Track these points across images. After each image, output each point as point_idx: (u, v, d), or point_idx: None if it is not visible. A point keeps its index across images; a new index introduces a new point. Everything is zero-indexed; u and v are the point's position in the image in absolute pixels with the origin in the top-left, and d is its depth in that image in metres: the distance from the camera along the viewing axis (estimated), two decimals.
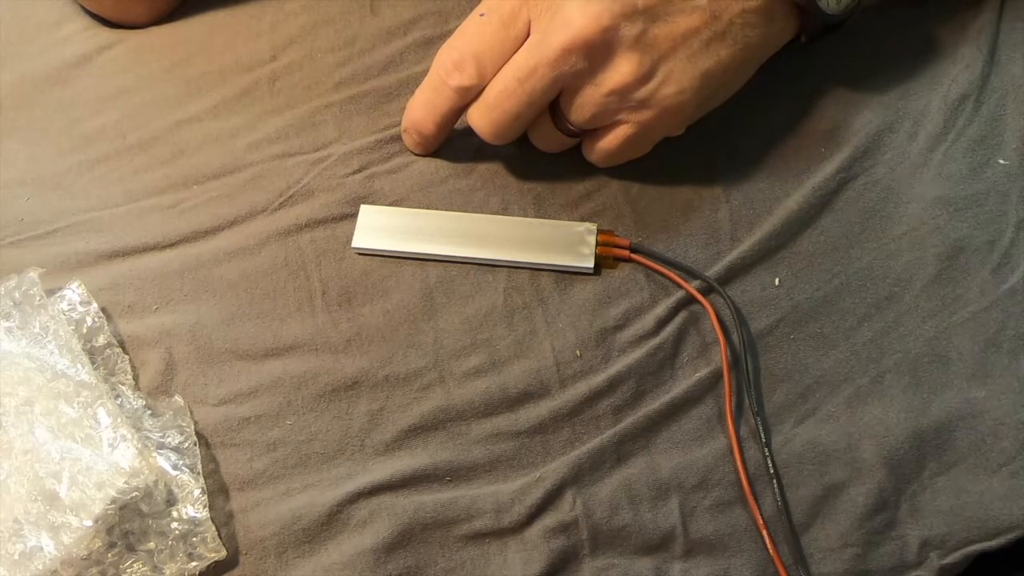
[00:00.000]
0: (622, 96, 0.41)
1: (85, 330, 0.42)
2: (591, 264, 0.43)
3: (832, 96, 0.47)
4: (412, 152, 0.47)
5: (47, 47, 0.52)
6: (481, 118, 0.42)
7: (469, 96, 0.42)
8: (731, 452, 0.40)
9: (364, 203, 0.46)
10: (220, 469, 0.40)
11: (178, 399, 0.41)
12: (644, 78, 0.41)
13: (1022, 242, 0.44)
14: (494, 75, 0.41)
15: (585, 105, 0.41)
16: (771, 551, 0.38)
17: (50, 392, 0.39)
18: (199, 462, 0.39)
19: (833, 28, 0.45)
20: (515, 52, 0.41)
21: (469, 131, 0.44)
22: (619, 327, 0.43)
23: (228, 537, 0.39)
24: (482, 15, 0.41)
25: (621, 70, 0.40)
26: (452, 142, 0.47)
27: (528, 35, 0.41)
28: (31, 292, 0.42)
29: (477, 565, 0.39)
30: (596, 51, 0.40)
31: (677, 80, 0.41)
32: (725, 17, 0.41)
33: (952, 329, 0.42)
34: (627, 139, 0.43)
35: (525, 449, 0.41)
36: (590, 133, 0.44)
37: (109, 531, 0.37)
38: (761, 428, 0.40)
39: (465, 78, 0.41)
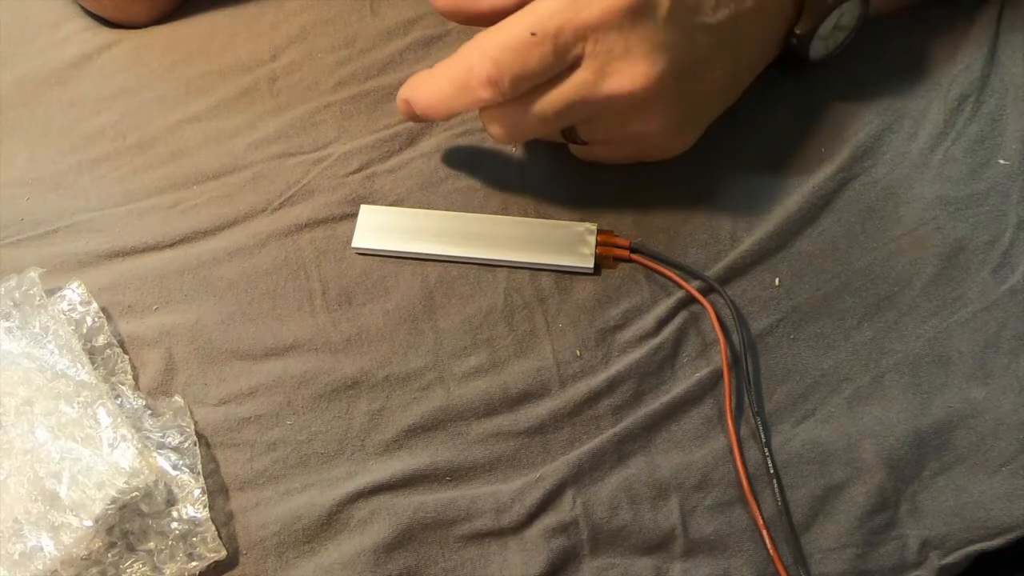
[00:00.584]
0: (641, 139, 0.42)
1: (85, 330, 0.42)
2: (591, 264, 0.43)
3: (832, 96, 0.47)
4: (403, 118, 0.45)
5: (47, 47, 0.52)
6: (504, 129, 0.40)
7: (491, 104, 0.40)
8: (731, 452, 0.40)
9: (364, 203, 0.46)
10: (220, 469, 0.40)
11: (178, 399, 0.41)
12: (670, 133, 0.42)
13: (1022, 242, 0.44)
14: (524, 93, 0.39)
15: (601, 132, 0.42)
16: (771, 551, 0.38)
17: (50, 392, 0.39)
18: (199, 462, 0.39)
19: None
20: (554, 76, 0.38)
21: (469, 131, 0.44)
22: (619, 327, 0.43)
23: (228, 537, 0.39)
24: (533, 34, 0.37)
25: (653, 122, 0.41)
26: (452, 142, 0.47)
27: (576, 65, 0.38)
28: (31, 292, 0.42)
29: (477, 565, 0.39)
30: (639, 104, 0.39)
31: (695, 132, 0.43)
32: (741, 72, 0.43)
33: (952, 329, 0.42)
34: (621, 158, 0.44)
35: (525, 449, 0.41)
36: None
37: (109, 531, 0.37)
38: (761, 428, 0.40)
39: (498, 95, 0.38)
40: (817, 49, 0.45)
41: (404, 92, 0.42)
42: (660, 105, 0.40)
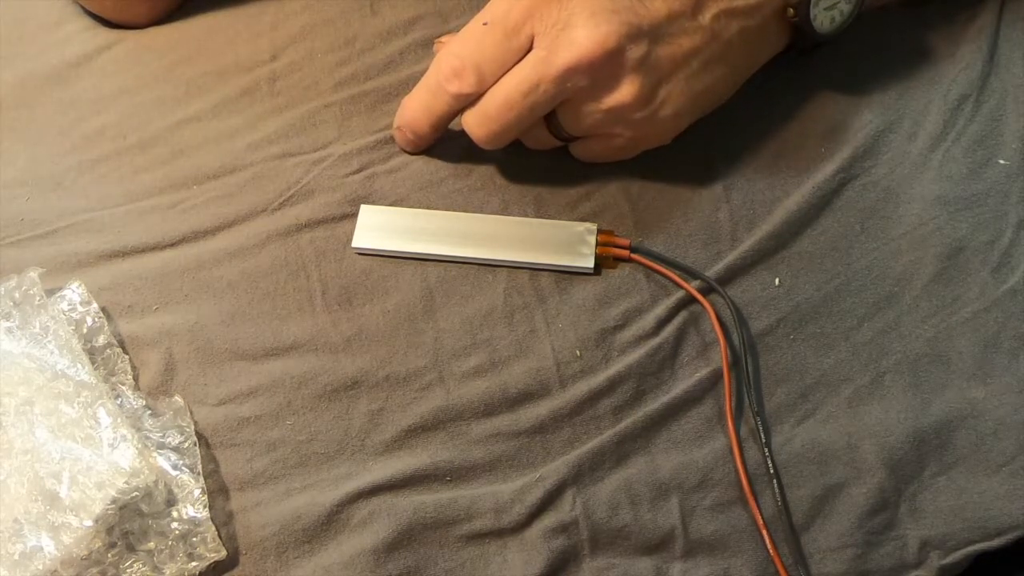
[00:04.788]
0: (620, 115, 0.42)
1: (85, 330, 0.42)
2: (591, 264, 0.43)
3: (832, 96, 0.47)
4: (403, 150, 0.47)
5: (47, 47, 0.52)
6: (480, 127, 0.42)
7: (466, 102, 0.42)
8: (731, 452, 0.40)
9: (364, 203, 0.46)
10: (220, 469, 0.40)
11: (178, 399, 0.41)
12: (644, 101, 0.41)
13: (1022, 242, 0.44)
14: (492, 84, 0.41)
15: (583, 118, 0.42)
16: (771, 551, 0.38)
17: (50, 392, 0.39)
18: (199, 462, 0.39)
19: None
20: (515, 63, 0.41)
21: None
22: (619, 327, 0.43)
23: (228, 537, 0.39)
24: (485, 24, 0.41)
25: (623, 91, 0.41)
26: (451, 142, 0.47)
27: (530, 48, 0.41)
28: (31, 292, 0.42)
29: (477, 565, 0.39)
30: (600, 72, 0.40)
31: (675, 102, 0.42)
32: (724, 36, 0.42)
33: (952, 329, 0.42)
34: (617, 148, 0.44)
35: (525, 449, 0.40)
36: (581, 137, 0.44)
37: (109, 531, 0.37)
38: (761, 428, 0.40)
39: (464, 86, 0.41)
40: (823, 23, 0.44)
41: (395, 120, 0.46)
42: (620, 68, 0.40)
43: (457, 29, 0.44)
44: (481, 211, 0.45)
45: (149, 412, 0.40)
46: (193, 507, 0.38)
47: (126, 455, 0.37)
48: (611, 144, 0.44)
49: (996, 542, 0.39)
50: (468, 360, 0.42)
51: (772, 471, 0.40)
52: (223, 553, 0.38)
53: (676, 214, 0.45)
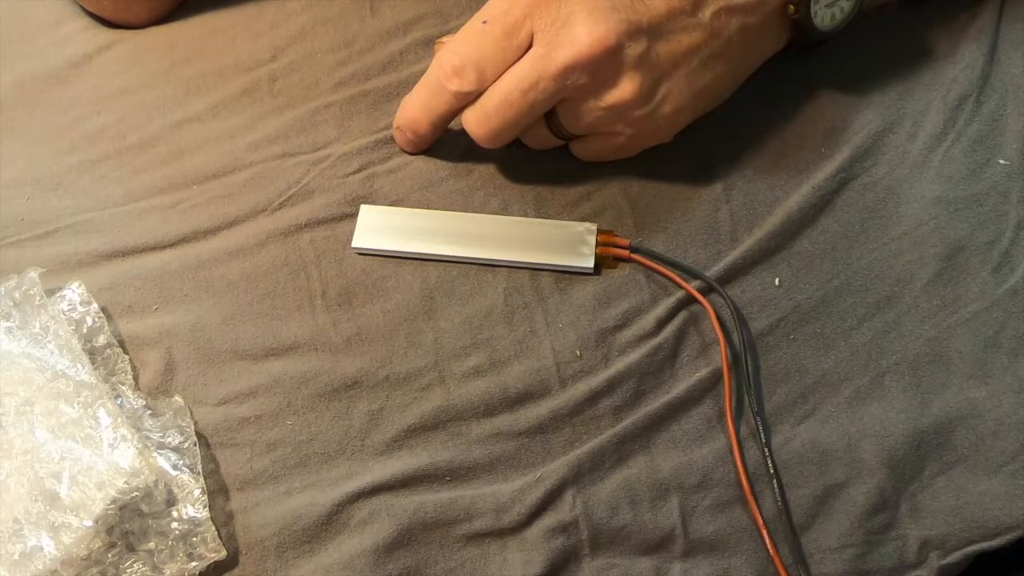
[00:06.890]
0: (620, 112, 0.42)
1: (85, 330, 0.42)
2: (591, 264, 0.43)
3: (832, 96, 0.47)
4: (403, 150, 0.47)
5: (47, 47, 0.52)
6: (480, 125, 0.42)
7: (466, 101, 0.43)
8: (731, 452, 0.40)
9: (364, 203, 0.46)
10: (220, 469, 0.40)
11: (178, 399, 0.41)
12: (645, 98, 0.41)
13: (1022, 242, 0.44)
14: (493, 82, 0.41)
15: (583, 116, 0.42)
16: (771, 551, 0.38)
17: (50, 392, 0.39)
18: (199, 462, 0.39)
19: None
20: (515, 61, 0.41)
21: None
22: (619, 327, 0.43)
23: (228, 537, 0.39)
24: (485, 22, 0.41)
25: (623, 88, 0.41)
26: (451, 142, 0.47)
27: (530, 45, 0.41)
28: (31, 292, 0.42)
29: (477, 565, 0.39)
30: (600, 69, 0.40)
31: (675, 99, 0.42)
32: (724, 34, 0.42)
33: (952, 329, 0.42)
34: (617, 147, 0.44)
35: (525, 449, 0.41)
36: (582, 136, 0.44)
37: (109, 531, 0.37)
38: (761, 428, 0.40)
39: (465, 84, 0.42)
40: (823, 20, 0.44)
41: (395, 119, 0.46)
42: (619, 65, 0.40)
43: (457, 29, 0.44)
44: (481, 211, 0.45)
45: (149, 412, 0.40)
46: (193, 507, 0.38)
47: (126, 455, 0.37)
48: (611, 142, 0.44)
49: (996, 542, 0.39)
50: (468, 360, 0.42)
51: (772, 471, 0.40)
52: (223, 553, 0.38)
53: (676, 214, 0.45)
